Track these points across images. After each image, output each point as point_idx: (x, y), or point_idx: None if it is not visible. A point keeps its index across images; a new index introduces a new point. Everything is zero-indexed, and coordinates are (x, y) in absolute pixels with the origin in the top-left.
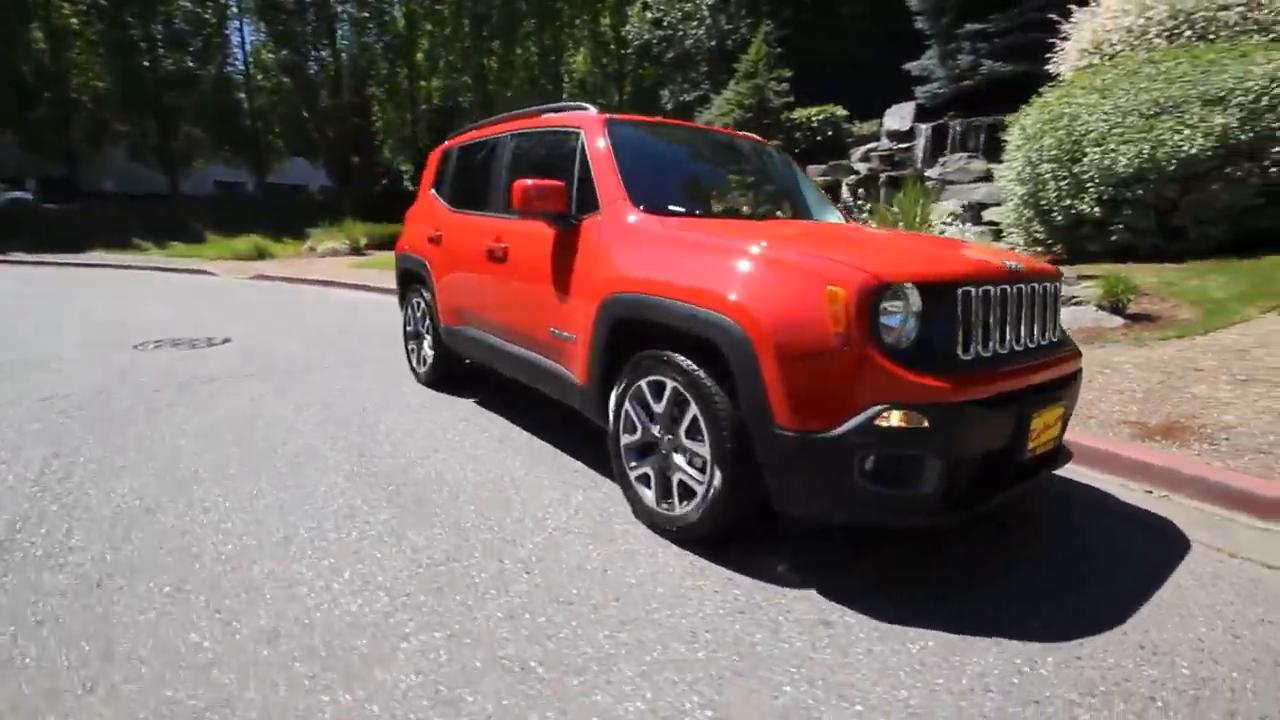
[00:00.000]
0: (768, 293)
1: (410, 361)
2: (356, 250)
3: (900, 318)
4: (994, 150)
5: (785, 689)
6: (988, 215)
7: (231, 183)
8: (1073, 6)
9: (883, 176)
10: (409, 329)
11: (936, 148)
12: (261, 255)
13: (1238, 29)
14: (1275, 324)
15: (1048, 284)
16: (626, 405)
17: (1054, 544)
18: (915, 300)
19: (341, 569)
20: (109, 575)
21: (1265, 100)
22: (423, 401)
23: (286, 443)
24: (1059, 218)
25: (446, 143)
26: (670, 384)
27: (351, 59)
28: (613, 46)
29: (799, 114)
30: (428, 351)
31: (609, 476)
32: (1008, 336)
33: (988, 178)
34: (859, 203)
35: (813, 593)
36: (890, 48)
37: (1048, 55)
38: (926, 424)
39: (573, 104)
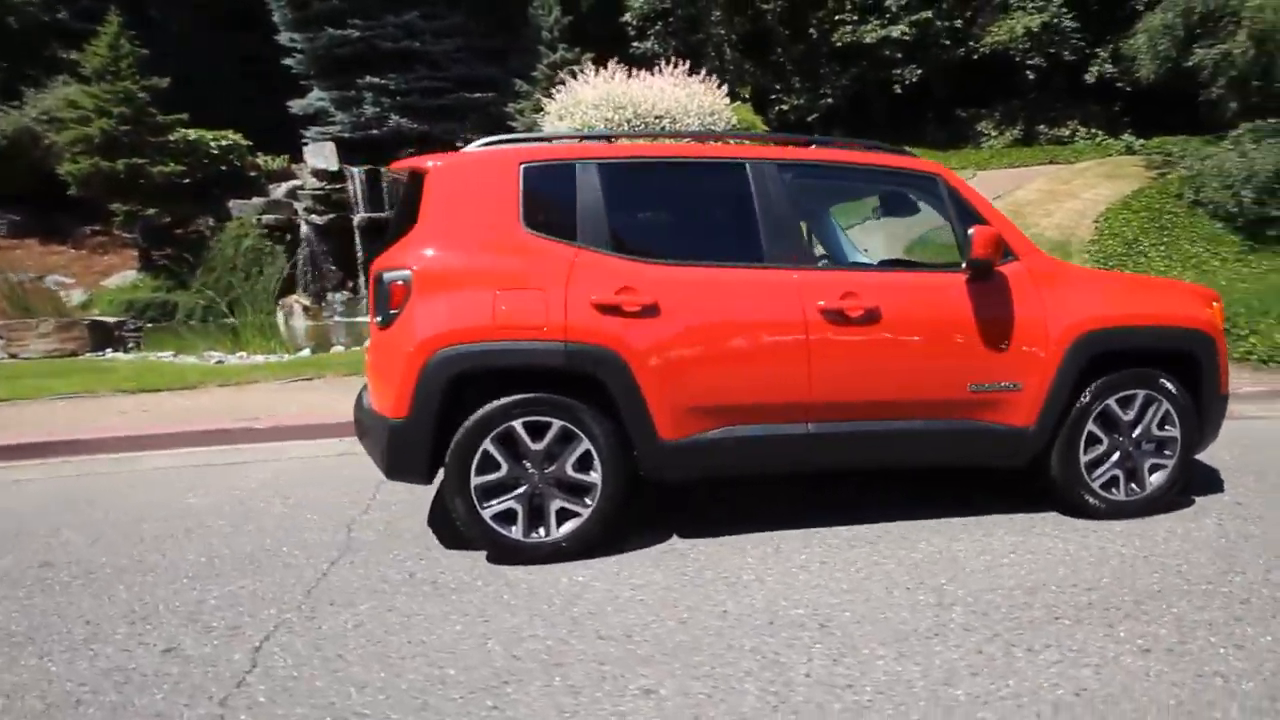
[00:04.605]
0: (1207, 310)
1: (495, 535)
2: None
3: None
4: None
5: None
6: None
7: None
8: (553, 90)
9: (321, 219)
10: (485, 480)
11: (372, 190)
12: None
13: (666, 132)
14: None
15: None
16: (1090, 427)
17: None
18: None
19: None
20: None
21: None
22: (690, 585)
23: None
24: None
25: (530, 153)
26: (1143, 393)
27: None
28: None
29: (194, 135)
30: (563, 502)
31: (970, 512)
32: None
33: None
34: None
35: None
36: (255, 79)
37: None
38: None
39: (882, 144)
